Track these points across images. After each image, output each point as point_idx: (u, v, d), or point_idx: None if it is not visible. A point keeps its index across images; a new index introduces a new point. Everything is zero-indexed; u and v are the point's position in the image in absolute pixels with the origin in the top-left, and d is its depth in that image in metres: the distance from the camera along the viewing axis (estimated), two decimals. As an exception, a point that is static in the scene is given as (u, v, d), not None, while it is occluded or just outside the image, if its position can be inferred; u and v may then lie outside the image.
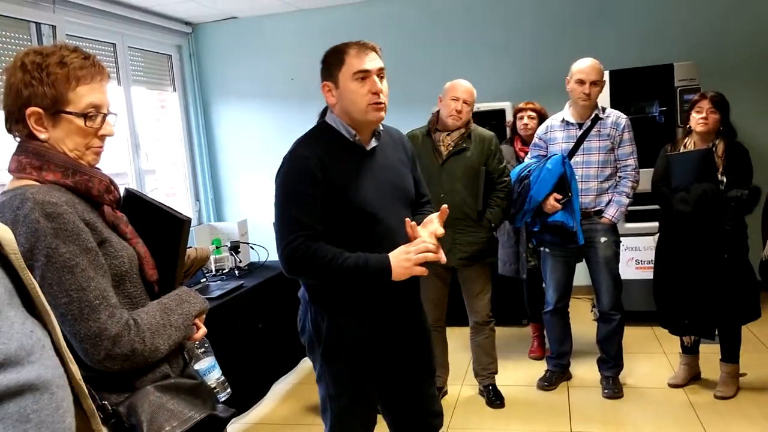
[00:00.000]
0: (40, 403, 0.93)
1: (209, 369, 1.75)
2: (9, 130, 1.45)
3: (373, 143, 2.12)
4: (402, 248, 1.97)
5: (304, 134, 2.13)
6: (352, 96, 2.01)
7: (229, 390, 1.78)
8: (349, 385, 2.17)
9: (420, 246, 1.96)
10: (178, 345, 1.51)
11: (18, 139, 1.45)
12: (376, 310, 2.12)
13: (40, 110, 1.39)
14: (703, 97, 3.38)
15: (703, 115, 3.34)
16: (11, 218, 1.32)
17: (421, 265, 1.96)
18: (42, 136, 1.41)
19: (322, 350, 2.13)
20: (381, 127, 2.14)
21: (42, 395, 0.93)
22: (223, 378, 1.78)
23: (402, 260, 1.95)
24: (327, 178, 1.98)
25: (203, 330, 1.61)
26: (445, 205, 2.08)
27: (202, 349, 1.75)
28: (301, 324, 2.23)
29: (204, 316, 1.62)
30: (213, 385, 1.71)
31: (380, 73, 2.04)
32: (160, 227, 1.58)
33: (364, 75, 2.00)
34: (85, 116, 1.43)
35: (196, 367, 1.70)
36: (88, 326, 1.32)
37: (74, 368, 1.04)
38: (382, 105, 2.04)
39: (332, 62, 2.04)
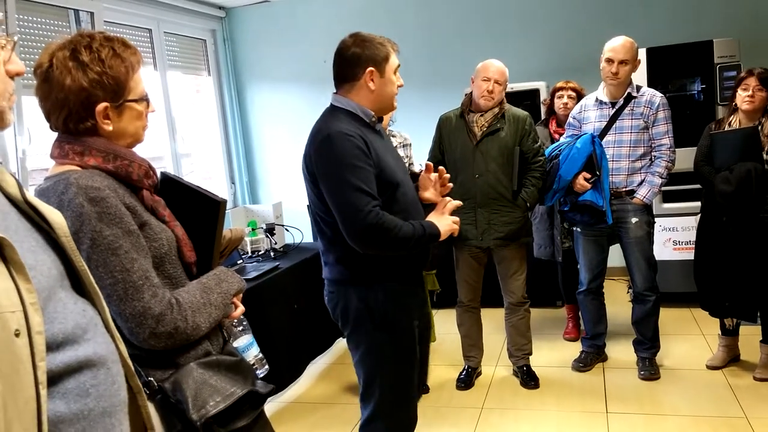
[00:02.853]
0: (98, 378, 0.97)
1: (248, 346, 1.79)
2: (65, 127, 1.43)
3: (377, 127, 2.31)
4: (434, 213, 2.24)
5: (329, 116, 2.19)
6: (392, 87, 2.21)
7: (267, 366, 1.82)
8: (407, 351, 2.25)
9: (447, 206, 2.24)
10: (217, 323, 1.54)
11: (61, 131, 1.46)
12: (419, 278, 2.35)
13: (108, 104, 1.43)
14: (750, 74, 3.28)
15: (750, 92, 3.25)
16: (56, 203, 1.35)
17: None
18: (109, 128, 1.45)
19: (377, 322, 2.18)
20: None
21: (99, 370, 0.98)
22: (261, 355, 1.82)
23: (443, 221, 2.20)
24: (370, 153, 2.10)
25: (241, 308, 1.64)
26: (430, 162, 2.39)
27: (241, 327, 1.79)
28: (341, 306, 2.24)
29: (241, 295, 1.65)
30: (252, 362, 1.76)
31: None
32: (197, 209, 1.61)
33: (397, 70, 2.23)
34: (146, 101, 1.50)
35: (235, 344, 1.74)
36: (132, 306, 1.36)
37: (122, 347, 1.08)
38: None
39: (380, 54, 2.16)
